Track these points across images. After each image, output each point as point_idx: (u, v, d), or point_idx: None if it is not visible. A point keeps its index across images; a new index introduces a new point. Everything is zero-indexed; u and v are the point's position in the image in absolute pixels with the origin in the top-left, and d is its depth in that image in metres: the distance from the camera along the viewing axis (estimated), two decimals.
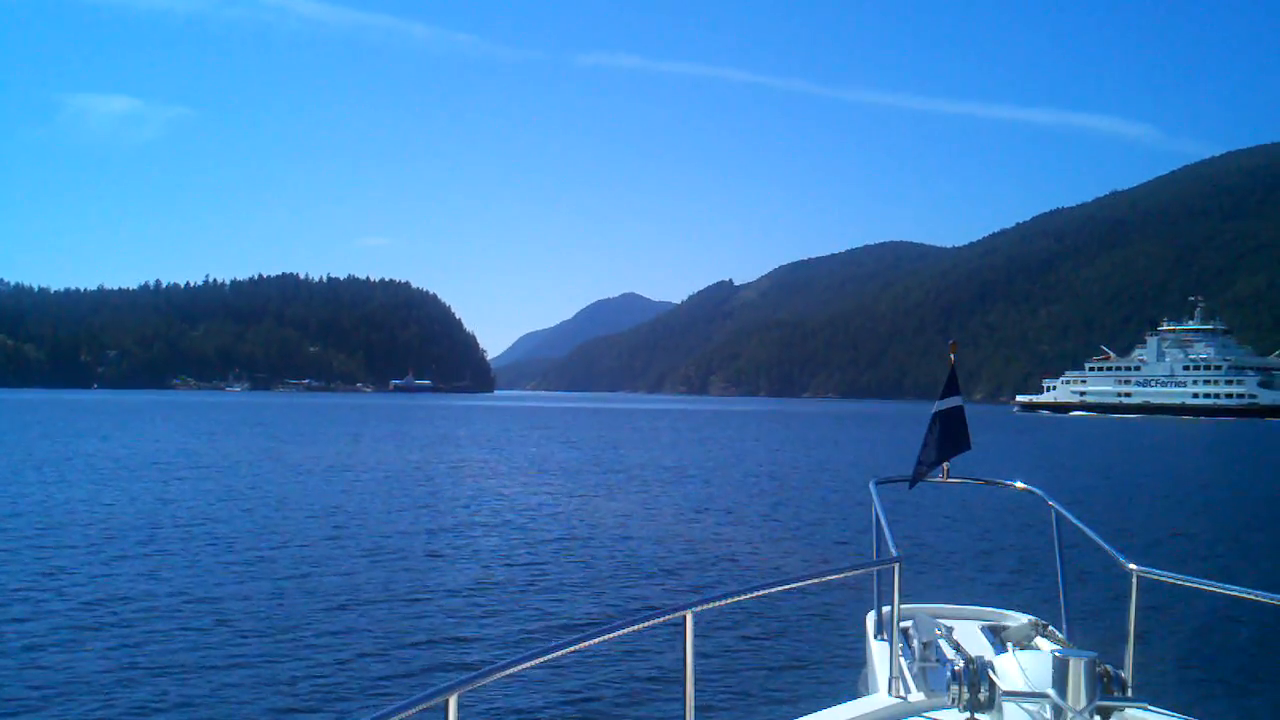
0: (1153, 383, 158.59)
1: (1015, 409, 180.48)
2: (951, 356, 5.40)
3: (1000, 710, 3.45)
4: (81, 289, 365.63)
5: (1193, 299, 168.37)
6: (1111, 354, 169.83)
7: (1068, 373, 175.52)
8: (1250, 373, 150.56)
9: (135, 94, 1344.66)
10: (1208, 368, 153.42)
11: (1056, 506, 5.26)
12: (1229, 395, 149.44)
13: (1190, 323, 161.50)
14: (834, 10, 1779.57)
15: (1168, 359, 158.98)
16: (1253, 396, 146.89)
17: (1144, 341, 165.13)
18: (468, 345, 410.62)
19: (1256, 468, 50.90)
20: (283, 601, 14.24)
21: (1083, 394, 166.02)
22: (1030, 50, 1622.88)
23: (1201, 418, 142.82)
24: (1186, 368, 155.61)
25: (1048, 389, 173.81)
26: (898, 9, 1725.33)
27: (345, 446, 52.23)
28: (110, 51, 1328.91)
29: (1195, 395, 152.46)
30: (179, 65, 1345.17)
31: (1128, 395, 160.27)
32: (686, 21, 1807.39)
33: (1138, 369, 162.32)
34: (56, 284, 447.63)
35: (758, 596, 5.94)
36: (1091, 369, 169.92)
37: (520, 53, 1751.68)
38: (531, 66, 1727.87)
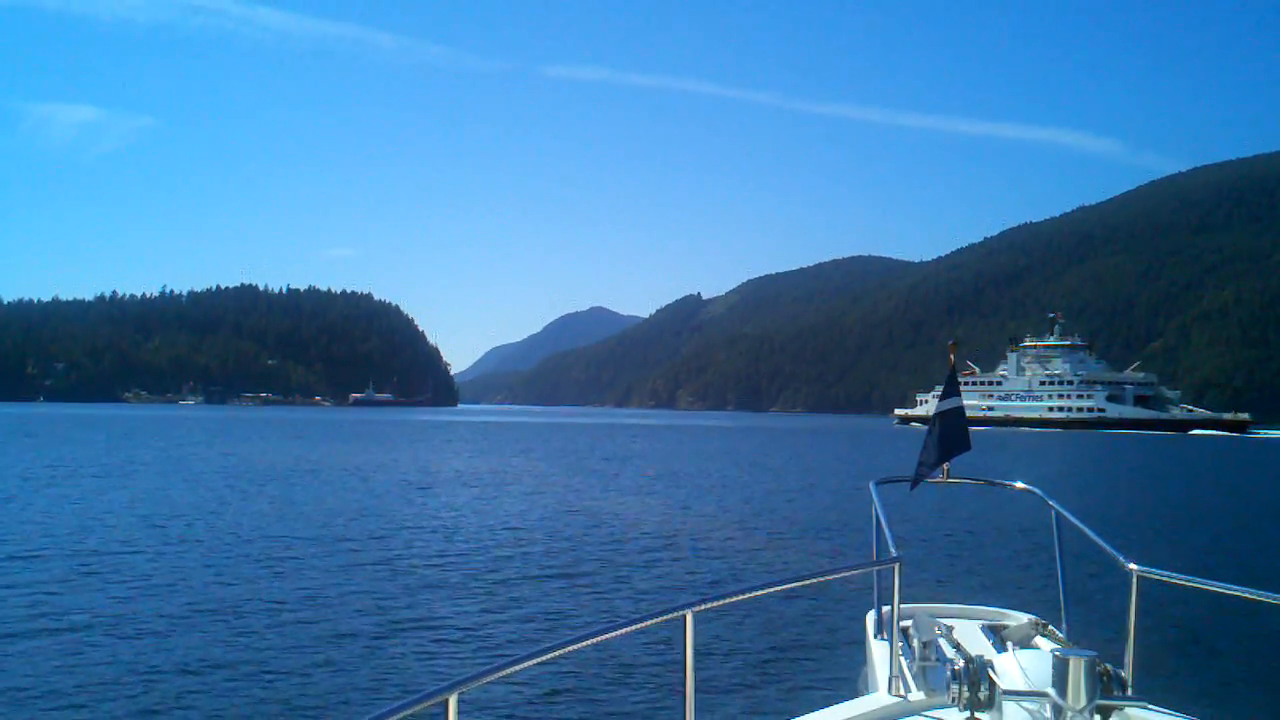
0: (1012, 396, 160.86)
1: (895, 422, 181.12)
2: (951, 357, 5.35)
3: (1000, 709, 3.42)
4: (35, 300, 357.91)
5: (1051, 315, 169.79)
6: (976, 369, 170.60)
7: (936, 387, 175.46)
8: (1100, 387, 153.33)
9: (99, 104, 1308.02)
10: (1061, 382, 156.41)
11: (1056, 506, 5.22)
12: (1079, 409, 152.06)
13: (1050, 338, 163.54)
14: (802, 24, 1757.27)
15: (1026, 374, 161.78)
16: (1101, 410, 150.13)
17: (1006, 357, 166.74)
18: (431, 358, 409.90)
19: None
20: (280, 602, 14.33)
21: None
22: (997, 65, 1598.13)
23: (1055, 430, 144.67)
24: (1043, 382, 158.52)
25: (920, 403, 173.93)
26: (865, 24, 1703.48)
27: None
28: (74, 61, 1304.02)
29: (1050, 409, 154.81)
30: (143, 75, 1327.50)
31: (990, 409, 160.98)
32: (655, 34, 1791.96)
33: (999, 384, 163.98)
34: (9, 294, 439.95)
35: (758, 596, 6.19)
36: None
37: (487, 63, 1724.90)
38: (499, 78, 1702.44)
